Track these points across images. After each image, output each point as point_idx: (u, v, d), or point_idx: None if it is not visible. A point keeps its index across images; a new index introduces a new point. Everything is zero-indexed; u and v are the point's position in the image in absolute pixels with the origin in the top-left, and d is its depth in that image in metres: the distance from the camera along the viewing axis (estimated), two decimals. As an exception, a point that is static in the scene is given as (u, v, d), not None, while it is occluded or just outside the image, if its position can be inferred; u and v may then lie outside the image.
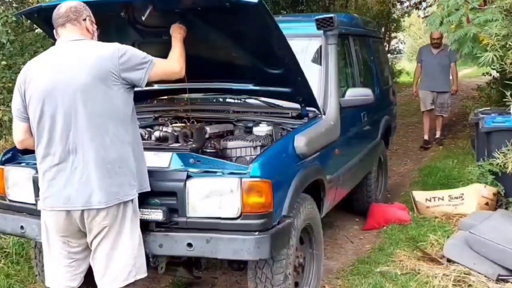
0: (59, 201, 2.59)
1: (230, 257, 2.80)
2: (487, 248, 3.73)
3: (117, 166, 2.56)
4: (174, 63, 2.89)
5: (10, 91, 5.86)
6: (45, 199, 2.65)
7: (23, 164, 3.20)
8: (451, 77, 8.19)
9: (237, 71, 3.56)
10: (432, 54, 8.05)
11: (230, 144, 3.26)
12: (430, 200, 5.09)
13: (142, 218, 2.76)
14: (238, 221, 2.72)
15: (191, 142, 3.23)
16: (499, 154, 4.59)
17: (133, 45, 3.54)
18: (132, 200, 2.63)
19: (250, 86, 3.69)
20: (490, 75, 9.52)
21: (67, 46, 2.61)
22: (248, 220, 2.71)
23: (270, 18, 2.93)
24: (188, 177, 2.79)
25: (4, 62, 5.72)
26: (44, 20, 3.34)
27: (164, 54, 3.70)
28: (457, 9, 4.75)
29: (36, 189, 2.98)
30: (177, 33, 3.05)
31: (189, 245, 2.74)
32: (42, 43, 5.96)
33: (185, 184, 2.76)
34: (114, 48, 2.59)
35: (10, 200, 3.21)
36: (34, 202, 3.03)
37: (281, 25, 3.01)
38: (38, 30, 5.69)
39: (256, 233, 2.69)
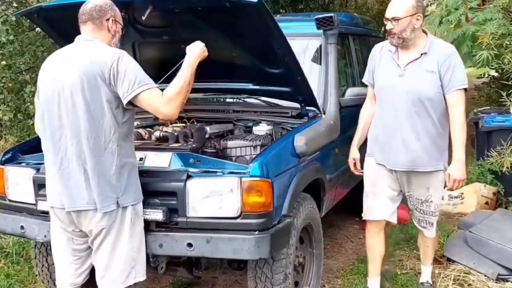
0: (56, 200, 2.60)
1: (230, 256, 2.80)
2: (487, 247, 3.73)
3: (96, 175, 2.48)
4: (164, 104, 2.47)
5: (10, 91, 5.85)
6: (47, 195, 2.67)
7: (23, 164, 3.21)
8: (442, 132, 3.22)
9: (237, 71, 3.56)
10: (398, 68, 3.18)
11: (230, 143, 3.26)
12: (430, 200, 5.08)
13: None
14: (238, 220, 2.72)
15: (191, 142, 3.23)
16: (494, 153, 4.58)
17: (133, 45, 3.58)
18: (132, 204, 2.60)
19: (250, 86, 3.69)
20: (488, 75, 9.28)
21: (76, 46, 2.59)
22: (248, 220, 2.71)
23: (270, 18, 2.93)
24: (188, 177, 2.78)
25: (4, 62, 5.70)
26: (44, 20, 3.35)
27: (163, 55, 3.73)
28: (456, 8, 4.76)
29: (36, 189, 2.99)
30: (192, 54, 2.63)
31: (189, 245, 2.73)
32: (42, 42, 5.95)
33: (185, 184, 2.76)
34: (113, 54, 2.46)
35: (10, 200, 3.20)
36: (34, 202, 3.03)
37: (281, 25, 3.01)
38: (38, 30, 5.68)
39: (256, 232, 2.69)
